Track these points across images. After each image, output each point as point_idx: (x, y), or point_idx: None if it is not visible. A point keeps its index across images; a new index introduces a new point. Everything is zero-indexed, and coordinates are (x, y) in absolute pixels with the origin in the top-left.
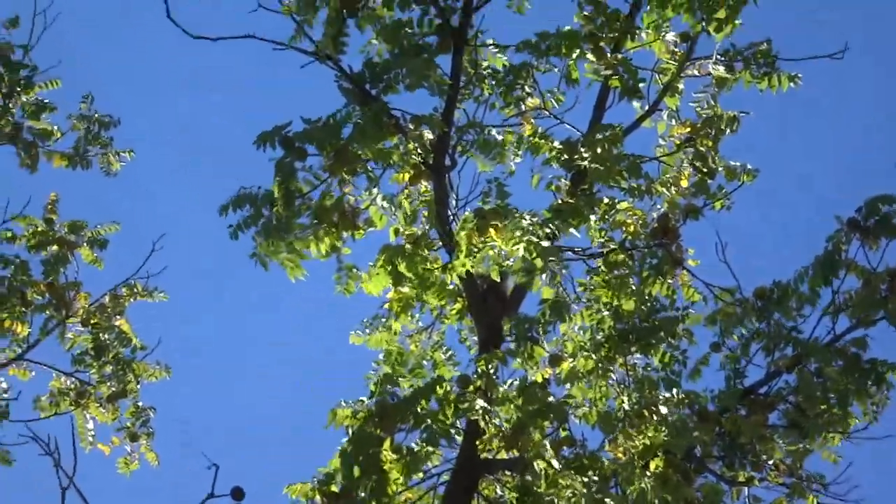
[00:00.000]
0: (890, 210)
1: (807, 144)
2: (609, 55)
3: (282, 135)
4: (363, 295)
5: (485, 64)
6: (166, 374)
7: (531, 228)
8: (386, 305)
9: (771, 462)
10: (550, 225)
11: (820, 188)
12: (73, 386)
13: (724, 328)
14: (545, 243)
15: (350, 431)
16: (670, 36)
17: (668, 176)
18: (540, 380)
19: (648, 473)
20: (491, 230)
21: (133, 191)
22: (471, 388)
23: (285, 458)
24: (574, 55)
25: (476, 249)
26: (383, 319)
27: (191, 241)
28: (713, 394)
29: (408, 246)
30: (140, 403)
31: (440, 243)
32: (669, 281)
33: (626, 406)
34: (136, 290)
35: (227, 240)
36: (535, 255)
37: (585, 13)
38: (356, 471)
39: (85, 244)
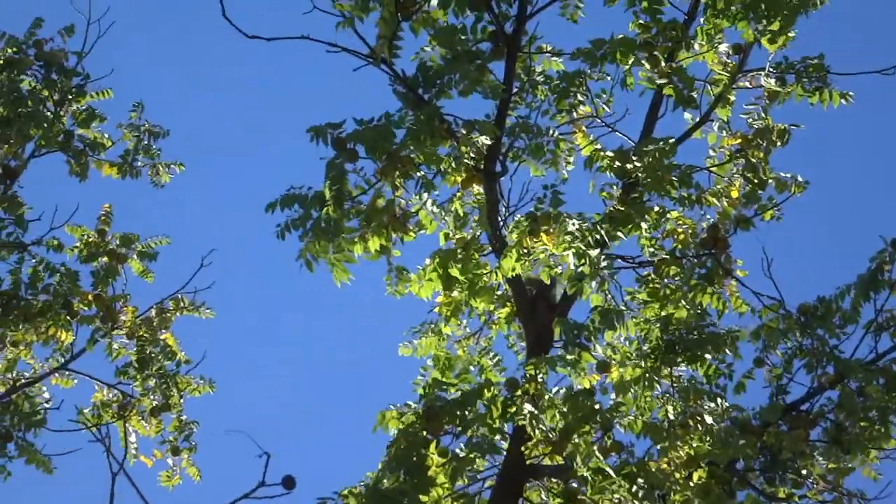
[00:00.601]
0: None
1: (856, 161)
2: (663, 64)
3: (334, 135)
4: (409, 301)
5: (538, 69)
6: (210, 389)
7: (580, 234)
8: (436, 310)
9: (811, 479)
10: (600, 230)
11: (868, 206)
12: (115, 398)
13: (767, 343)
14: (594, 251)
15: (398, 433)
16: (723, 47)
17: (718, 186)
18: (587, 386)
19: (692, 484)
20: (542, 234)
21: (183, 204)
22: (519, 391)
23: (334, 458)
24: (629, 63)
25: (526, 252)
26: (432, 325)
27: (242, 258)
28: (755, 410)
29: (458, 250)
30: (184, 417)
31: (490, 248)
32: (719, 290)
33: (670, 416)
34: (182, 304)
35: (277, 257)
36: (583, 261)
37: (641, 21)
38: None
39: (135, 256)
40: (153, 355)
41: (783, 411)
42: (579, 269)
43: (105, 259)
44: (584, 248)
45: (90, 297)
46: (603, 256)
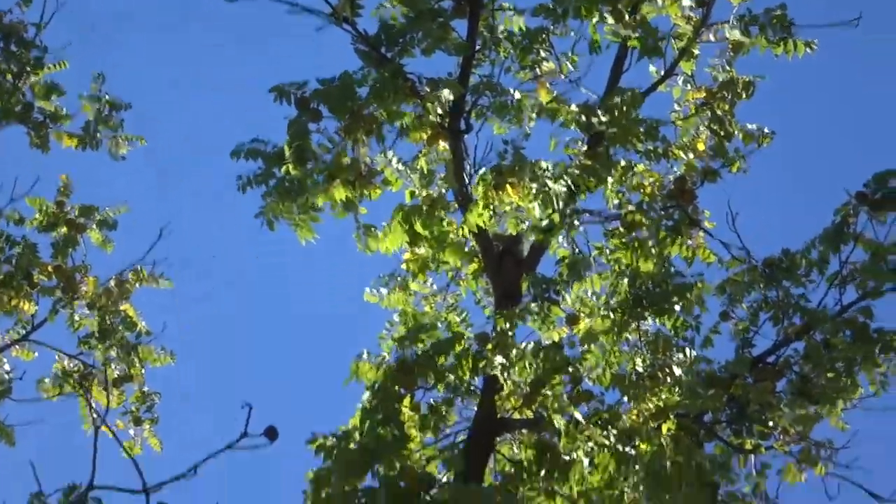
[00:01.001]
0: None
1: (822, 113)
2: (627, 17)
3: (297, 95)
4: (372, 259)
5: (500, 28)
6: (171, 359)
7: (549, 177)
8: (402, 266)
9: (778, 430)
10: (566, 177)
11: (834, 158)
12: (76, 368)
13: (732, 297)
14: (561, 197)
15: (372, 386)
16: (686, 1)
17: (685, 139)
18: (557, 338)
19: (661, 436)
20: (508, 187)
21: (142, 176)
22: (489, 345)
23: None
24: (593, 17)
25: (492, 205)
26: (399, 279)
27: (198, 228)
28: (720, 364)
29: (424, 207)
30: (146, 388)
31: (456, 205)
32: (688, 242)
33: (639, 368)
34: (141, 275)
35: (233, 224)
36: (550, 209)
37: None
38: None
39: (94, 227)
40: (114, 326)
41: (750, 364)
42: (546, 219)
43: (64, 229)
44: (550, 196)
45: (50, 268)
46: (570, 206)
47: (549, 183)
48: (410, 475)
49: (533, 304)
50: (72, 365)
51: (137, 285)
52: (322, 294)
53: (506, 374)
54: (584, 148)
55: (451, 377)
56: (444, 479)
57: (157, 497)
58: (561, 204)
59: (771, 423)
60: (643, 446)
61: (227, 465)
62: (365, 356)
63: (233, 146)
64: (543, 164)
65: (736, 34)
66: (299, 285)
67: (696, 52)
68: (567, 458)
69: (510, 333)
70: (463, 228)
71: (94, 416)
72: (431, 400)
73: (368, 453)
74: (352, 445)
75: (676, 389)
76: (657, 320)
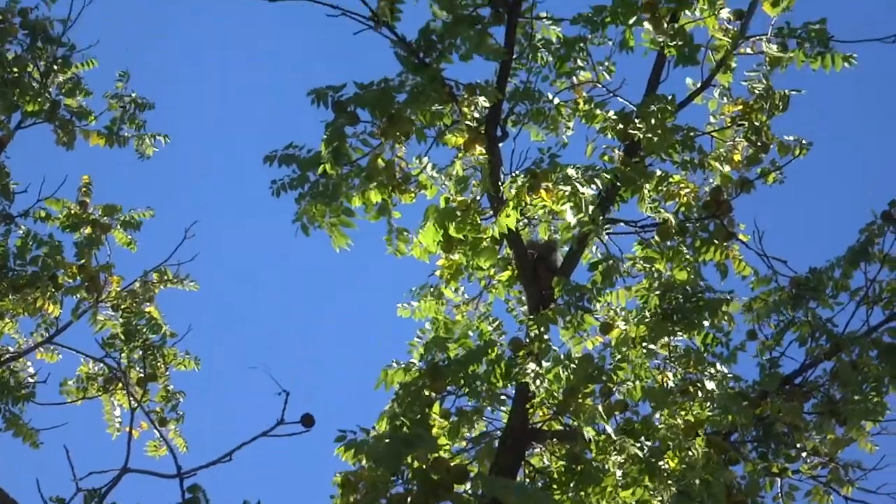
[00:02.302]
0: None
1: (857, 130)
2: (666, 25)
3: (335, 98)
4: (404, 268)
5: (538, 36)
6: (196, 365)
7: (580, 179)
8: (436, 273)
9: (805, 454)
10: (600, 179)
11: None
12: (101, 372)
13: (759, 316)
14: (592, 202)
15: (401, 389)
16: (724, 13)
17: (721, 150)
18: (590, 347)
19: (691, 452)
20: (542, 191)
21: (169, 176)
22: (522, 352)
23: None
24: (630, 23)
25: (524, 207)
26: (431, 288)
27: (225, 231)
28: (748, 384)
29: (458, 212)
30: (170, 388)
31: (491, 211)
32: (723, 250)
33: (670, 383)
34: (166, 276)
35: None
36: (582, 214)
37: None
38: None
39: (119, 226)
40: (139, 327)
41: (781, 381)
42: (578, 225)
43: (88, 229)
44: (580, 191)
45: (74, 268)
46: (602, 215)
47: (580, 187)
48: (443, 466)
49: (566, 311)
50: (96, 368)
51: (162, 286)
52: (353, 298)
53: (538, 382)
54: (621, 155)
55: (483, 385)
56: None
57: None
58: (591, 208)
59: (798, 446)
60: (672, 463)
61: (264, 452)
62: (395, 365)
63: (264, 146)
64: (571, 172)
65: (773, 48)
66: (331, 288)
67: (734, 64)
68: (598, 470)
69: (545, 336)
70: (494, 231)
71: (119, 418)
72: (460, 407)
73: (399, 443)
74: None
75: (707, 405)
76: (686, 335)
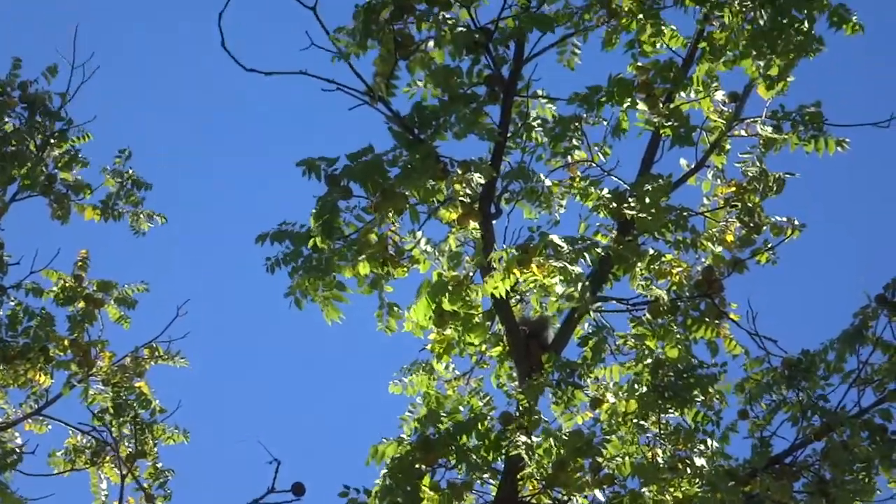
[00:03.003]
0: None
1: (850, 213)
2: (661, 105)
3: (328, 171)
4: (391, 344)
5: (533, 114)
6: (184, 438)
7: (569, 255)
8: (428, 347)
9: None
10: (587, 254)
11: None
12: (89, 444)
13: (752, 396)
14: (582, 274)
15: (392, 463)
16: (719, 95)
17: (713, 230)
18: (581, 422)
19: None
20: (532, 266)
21: (162, 254)
22: (512, 425)
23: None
24: (625, 104)
25: (516, 282)
26: (423, 364)
27: (217, 308)
28: (738, 463)
29: (451, 286)
30: (159, 465)
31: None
32: (714, 328)
33: (659, 459)
34: (157, 353)
35: (253, 307)
36: (572, 288)
37: (640, 64)
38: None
39: (112, 302)
40: (129, 402)
41: (769, 460)
42: (567, 298)
43: (82, 304)
44: (570, 269)
45: (66, 342)
46: (593, 291)
47: (569, 265)
48: None
49: (556, 387)
50: (84, 441)
51: (153, 363)
52: (341, 371)
53: (529, 454)
54: (614, 234)
55: (473, 457)
56: None
57: None
58: (581, 284)
59: None
60: None
61: None
62: (385, 441)
63: (260, 222)
64: (562, 244)
65: (768, 130)
66: (320, 363)
67: (728, 146)
68: None
69: (535, 408)
70: (479, 296)
71: (105, 491)
72: (450, 480)
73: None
74: None
75: (696, 482)
76: (678, 412)
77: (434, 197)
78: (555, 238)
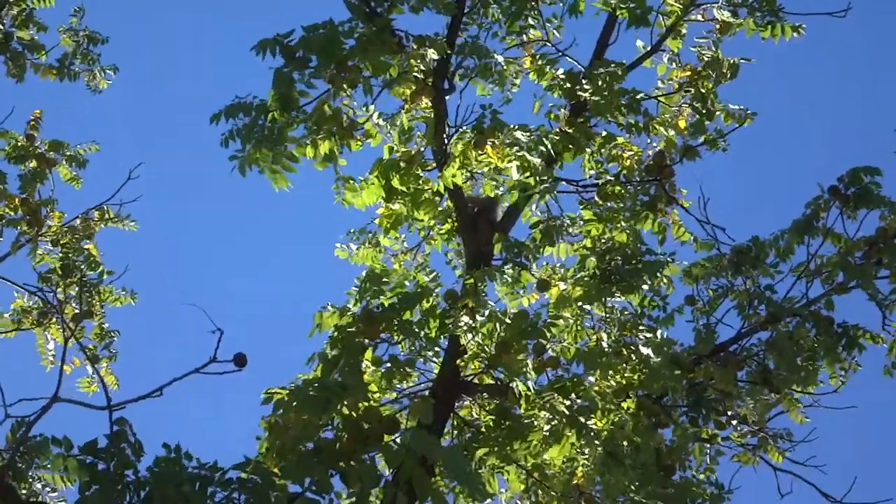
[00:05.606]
0: (871, 181)
1: (809, 102)
2: None
3: (283, 43)
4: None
5: None
6: (131, 300)
7: (526, 144)
8: (375, 221)
9: (735, 422)
10: (546, 142)
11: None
12: (35, 305)
13: (698, 279)
14: (538, 161)
15: (334, 335)
16: None
17: (666, 115)
18: (526, 304)
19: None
20: (487, 147)
21: (116, 118)
22: (458, 304)
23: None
24: None
25: (470, 164)
26: (370, 234)
27: (169, 173)
28: (683, 348)
29: (402, 163)
30: (105, 325)
31: (434, 164)
32: (661, 218)
33: (604, 344)
34: (107, 215)
35: (205, 174)
36: (528, 173)
37: None
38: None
39: (64, 162)
40: (77, 263)
41: (714, 347)
42: (522, 181)
43: (33, 163)
44: (528, 158)
45: (17, 201)
46: (547, 169)
47: (526, 154)
48: (374, 416)
49: (505, 267)
50: (31, 302)
51: (102, 225)
52: (296, 243)
53: (471, 336)
54: (567, 115)
55: (417, 332)
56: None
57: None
58: (537, 164)
59: (729, 413)
60: (601, 423)
61: (195, 390)
62: (330, 308)
63: (217, 98)
64: (520, 134)
65: (724, 14)
66: (271, 233)
67: (684, 30)
68: (526, 425)
69: (482, 293)
70: (438, 185)
71: (52, 352)
72: (393, 355)
73: (329, 391)
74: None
75: (641, 367)
76: (624, 297)
77: (388, 71)
78: (513, 128)
